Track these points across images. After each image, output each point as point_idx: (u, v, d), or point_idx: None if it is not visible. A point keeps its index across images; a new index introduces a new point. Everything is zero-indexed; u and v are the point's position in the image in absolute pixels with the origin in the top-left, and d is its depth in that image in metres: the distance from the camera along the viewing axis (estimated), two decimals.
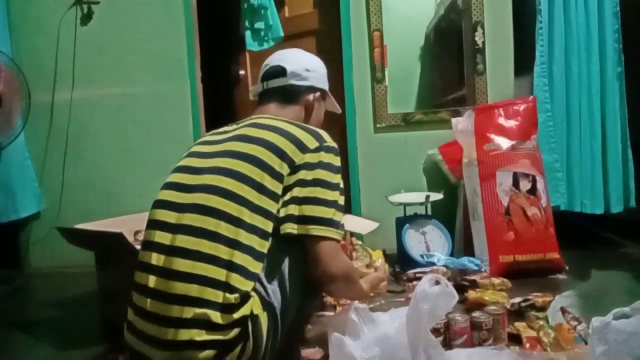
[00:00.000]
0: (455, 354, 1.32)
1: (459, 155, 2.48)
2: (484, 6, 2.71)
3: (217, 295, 1.03)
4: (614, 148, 2.58)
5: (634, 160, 2.60)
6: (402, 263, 2.34)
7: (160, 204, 1.20)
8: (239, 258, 1.06)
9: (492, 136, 2.32)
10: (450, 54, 2.95)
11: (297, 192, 1.12)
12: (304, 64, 1.40)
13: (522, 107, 2.39)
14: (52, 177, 2.90)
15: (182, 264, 1.07)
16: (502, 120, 2.36)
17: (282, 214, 1.12)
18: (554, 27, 2.59)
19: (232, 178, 1.12)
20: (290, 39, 3.07)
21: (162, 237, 1.13)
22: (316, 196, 1.12)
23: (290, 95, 1.36)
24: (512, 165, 2.27)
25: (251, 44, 3.02)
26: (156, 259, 1.11)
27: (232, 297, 1.04)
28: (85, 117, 2.90)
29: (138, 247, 1.87)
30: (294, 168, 1.13)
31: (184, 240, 1.09)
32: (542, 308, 1.63)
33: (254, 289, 1.07)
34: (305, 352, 1.42)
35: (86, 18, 2.88)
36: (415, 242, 2.37)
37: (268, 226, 1.11)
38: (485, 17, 2.71)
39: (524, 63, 2.70)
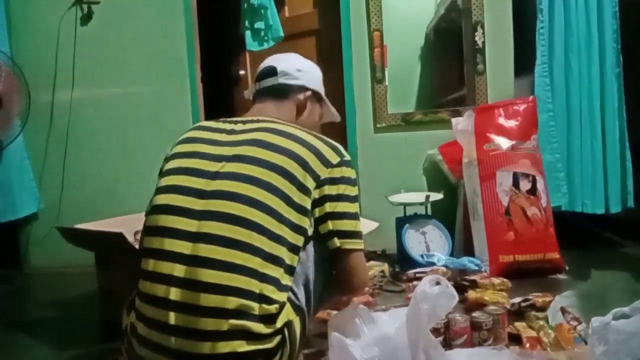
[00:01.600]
0: (455, 354, 1.32)
1: (459, 155, 2.48)
2: (484, 6, 2.71)
3: (253, 307, 1.01)
4: (613, 148, 2.58)
5: (633, 161, 2.60)
6: (402, 263, 2.34)
7: (168, 210, 1.12)
8: (272, 270, 1.05)
9: (492, 136, 2.33)
10: (450, 54, 2.95)
11: (329, 207, 1.15)
12: (294, 65, 1.39)
13: (522, 107, 2.39)
14: (52, 177, 2.90)
15: (212, 275, 1.02)
16: (502, 120, 2.36)
17: (322, 230, 1.15)
18: (554, 27, 2.59)
19: (257, 186, 1.08)
20: (290, 39, 3.07)
21: (181, 246, 1.06)
22: (346, 211, 1.16)
23: (281, 93, 1.36)
24: (512, 165, 2.27)
25: (251, 44, 3.02)
26: (177, 269, 1.05)
27: (273, 308, 1.03)
28: (85, 117, 2.90)
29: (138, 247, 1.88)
30: (319, 182, 1.14)
31: (209, 250, 1.04)
32: (542, 308, 1.63)
33: (287, 297, 1.09)
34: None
35: (86, 18, 2.88)
36: (415, 242, 2.37)
37: (298, 241, 1.10)
38: (485, 17, 2.71)
39: (524, 63, 2.70)
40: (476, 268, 2.19)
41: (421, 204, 2.49)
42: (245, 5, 2.99)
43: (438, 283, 1.17)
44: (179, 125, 2.85)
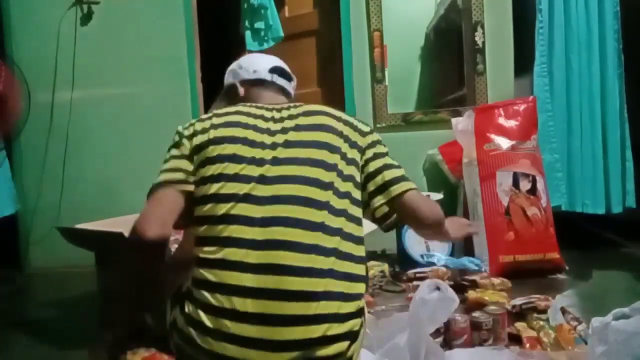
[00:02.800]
0: (455, 354, 1.32)
1: (459, 155, 2.48)
2: (484, 6, 2.71)
3: (340, 286, 1.02)
4: (614, 148, 2.58)
5: (633, 161, 2.59)
6: (402, 263, 2.34)
7: (232, 198, 1.08)
8: (349, 247, 1.07)
9: (492, 136, 2.32)
10: (450, 54, 2.95)
11: (367, 169, 1.19)
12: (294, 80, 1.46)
13: (522, 107, 2.39)
14: (52, 177, 2.90)
15: (294, 258, 1.01)
16: (502, 120, 2.36)
17: (364, 197, 1.18)
18: (554, 27, 2.59)
19: (316, 167, 1.11)
20: (290, 39, 3.07)
21: (251, 233, 1.04)
22: (385, 163, 1.20)
23: (290, 99, 1.40)
24: (512, 165, 2.27)
25: (251, 44, 3.02)
26: (251, 256, 1.02)
27: (358, 286, 1.04)
28: (85, 117, 2.90)
29: None
30: (362, 150, 1.19)
31: (286, 233, 1.03)
32: (544, 311, 1.62)
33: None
34: None
35: (86, 18, 2.88)
36: (415, 242, 2.37)
37: (361, 213, 1.14)
38: (485, 17, 2.71)
39: (524, 63, 2.70)
40: (476, 268, 2.19)
41: None
42: (245, 5, 3.00)
43: (438, 287, 1.16)
44: (179, 125, 2.86)
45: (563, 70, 2.60)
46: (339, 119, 1.21)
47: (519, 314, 1.62)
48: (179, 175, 1.15)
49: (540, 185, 2.28)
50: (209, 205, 1.10)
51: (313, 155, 1.12)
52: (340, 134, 1.17)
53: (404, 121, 2.80)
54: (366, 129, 1.23)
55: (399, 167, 1.22)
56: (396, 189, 1.18)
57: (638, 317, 1.11)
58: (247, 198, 1.07)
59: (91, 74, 2.89)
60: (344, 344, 1.00)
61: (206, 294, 1.04)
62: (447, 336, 1.43)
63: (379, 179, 1.18)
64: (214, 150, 1.14)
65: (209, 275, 1.05)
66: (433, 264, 2.22)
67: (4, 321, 2.06)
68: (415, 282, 1.94)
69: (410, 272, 2.13)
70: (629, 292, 1.98)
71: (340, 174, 1.12)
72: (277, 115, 1.22)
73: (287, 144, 1.14)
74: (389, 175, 1.18)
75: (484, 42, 2.72)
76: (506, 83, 2.73)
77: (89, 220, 2.11)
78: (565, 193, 2.59)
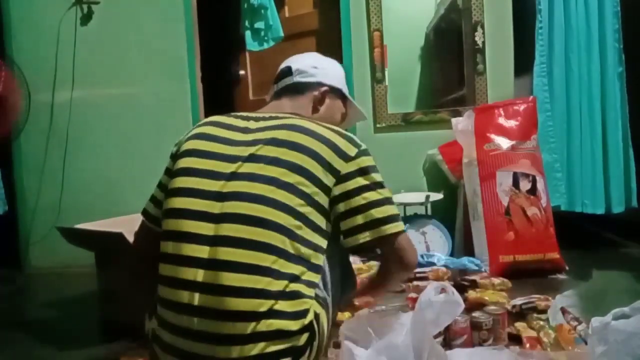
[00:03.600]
0: (455, 354, 1.32)
1: (459, 155, 2.48)
2: (484, 6, 2.71)
3: (282, 305, 1.00)
4: (615, 148, 2.58)
5: (635, 160, 2.59)
6: None
7: (185, 214, 1.08)
8: (297, 270, 1.03)
9: (492, 136, 2.33)
10: (450, 54, 2.95)
11: (355, 202, 1.11)
12: (310, 63, 1.38)
13: (522, 107, 2.39)
14: (52, 177, 2.90)
15: (235, 279, 1.00)
16: (502, 120, 2.36)
17: (344, 227, 1.12)
18: (553, 27, 2.59)
19: (276, 187, 1.05)
20: (290, 39, 3.07)
21: (200, 251, 1.04)
22: (378, 198, 1.13)
23: (297, 90, 1.34)
24: (512, 165, 2.27)
25: (251, 44, 3.03)
26: (199, 275, 1.03)
27: (301, 303, 1.02)
28: (85, 117, 2.90)
29: None
30: (339, 178, 1.11)
31: (230, 253, 1.02)
32: (544, 311, 1.62)
33: (315, 293, 1.07)
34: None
35: (86, 18, 2.88)
36: (415, 242, 2.34)
37: (321, 241, 1.09)
38: (485, 17, 2.71)
39: (524, 63, 2.70)
40: (476, 268, 2.19)
41: (421, 204, 2.49)
42: (245, 5, 3.00)
43: (443, 290, 1.16)
44: (179, 125, 2.86)
45: (563, 70, 2.60)
46: (322, 140, 1.12)
47: (519, 314, 1.62)
48: (152, 210, 1.25)
49: (540, 185, 2.28)
50: (166, 221, 1.12)
51: (274, 174, 1.07)
52: (313, 155, 1.10)
53: (404, 121, 2.80)
54: (351, 152, 1.14)
55: (368, 207, 1.12)
56: (350, 242, 1.12)
57: (638, 317, 1.11)
58: (200, 215, 1.07)
59: (91, 74, 2.89)
60: None
61: (163, 310, 1.07)
62: (447, 336, 1.43)
63: (362, 218, 1.11)
64: (177, 164, 1.16)
65: (163, 292, 1.08)
66: (433, 264, 2.22)
67: (4, 321, 2.06)
68: (415, 282, 1.94)
69: None
70: (629, 292, 1.98)
71: (308, 200, 1.07)
72: (253, 125, 1.18)
73: (251, 158, 1.10)
74: (346, 225, 1.11)
75: (484, 42, 2.71)
76: (506, 83, 2.73)
77: (89, 220, 2.11)
78: (564, 193, 2.58)
